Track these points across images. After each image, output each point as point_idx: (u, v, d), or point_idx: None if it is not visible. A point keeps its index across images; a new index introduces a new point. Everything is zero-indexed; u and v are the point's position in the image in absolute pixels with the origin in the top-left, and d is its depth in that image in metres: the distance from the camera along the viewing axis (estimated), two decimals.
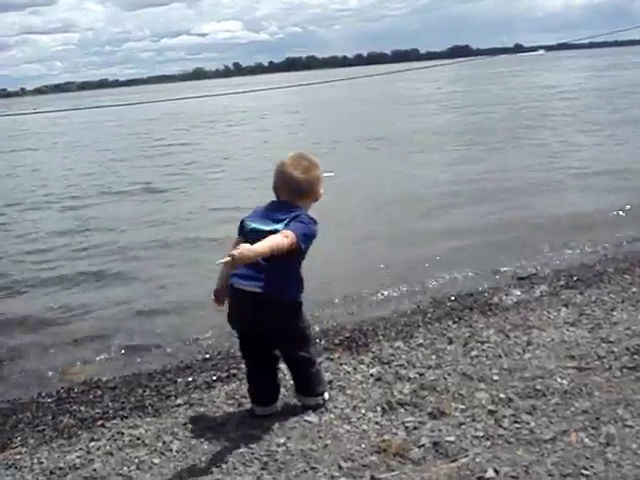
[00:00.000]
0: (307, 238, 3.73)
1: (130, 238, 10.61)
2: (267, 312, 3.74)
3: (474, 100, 35.14)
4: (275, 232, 3.64)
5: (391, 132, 22.43)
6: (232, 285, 3.80)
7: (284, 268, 3.74)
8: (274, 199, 3.97)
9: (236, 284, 3.77)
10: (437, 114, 28.93)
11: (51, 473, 3.65)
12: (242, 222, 3.93)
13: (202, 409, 4.24)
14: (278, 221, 3.76)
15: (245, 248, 3.33)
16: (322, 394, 4.09)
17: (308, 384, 4.07)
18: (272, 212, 3.86)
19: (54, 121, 46.46)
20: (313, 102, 45.29)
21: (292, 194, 3.89)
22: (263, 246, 3.44)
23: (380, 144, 19.63)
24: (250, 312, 3.77)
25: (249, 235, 3.76)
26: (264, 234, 3.63)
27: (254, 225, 3.83)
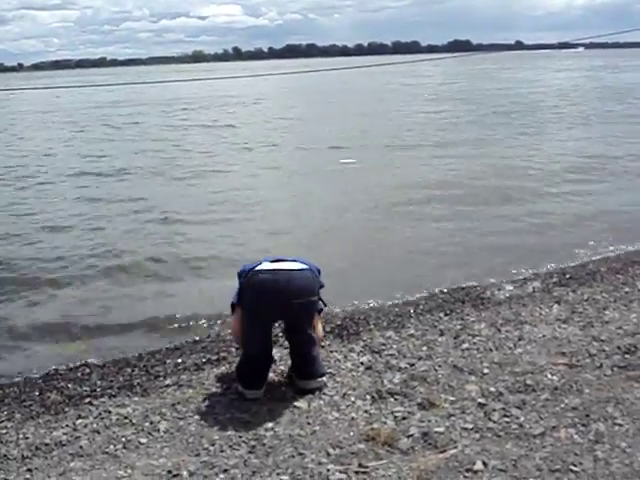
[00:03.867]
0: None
1: (119, 224, 10.54)
2: (304, 286, 4.05)
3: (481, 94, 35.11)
4: (300, 270, 4.12)
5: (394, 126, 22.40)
6: (261, 273, 4.07)
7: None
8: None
9: (269, 270, 4.08)
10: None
11: (37, 448, 3.63)
12: (249, 270, 4.16)
13: (191, 391, 4.23)
14: (289, 258, 4.25)
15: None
16: (323, 375, 4.14)
17: (314, 365, 4.12)
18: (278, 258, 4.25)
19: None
20: (318, 90, 45.10)
21: None
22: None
23: (389, 139, 19.53)
24: (287, 290, 3.98)
25: (263, 273, 4.07)
26: (286, 271, 4.09)
27: (271, 267, 4.12)
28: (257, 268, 4.09)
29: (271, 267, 4.09)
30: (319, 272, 4.25)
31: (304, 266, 4.13)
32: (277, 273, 4.03)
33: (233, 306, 4.28)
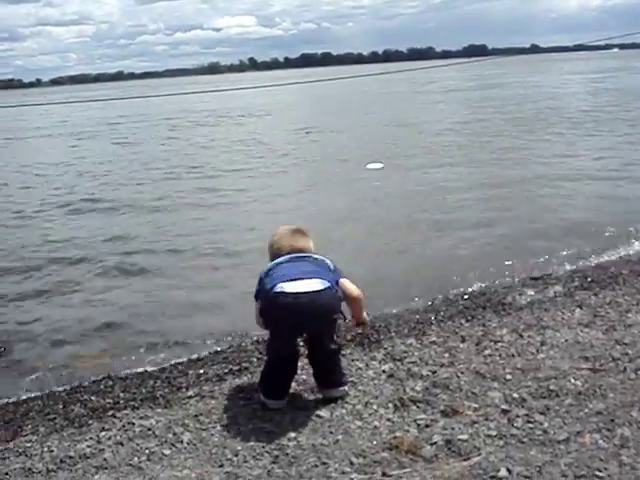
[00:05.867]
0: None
1: (146, 233, 10.62)
2: (326, 306, 3.96)
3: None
4: (322, 290, 3.95)
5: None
6: (282, 293, 3.93)
7: (328, 269, 4.12)
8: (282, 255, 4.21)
9: (292, 289, 3.93)
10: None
11: (61, 461, 3.65)
12: (261, 281, 4.12)
13: (213, 401, 4.23)
14: (309, 273, 4.02)
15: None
16: (345, 384, 4.14)
17: (336, 374, 4.11)
18: (296, 267, 4.08)
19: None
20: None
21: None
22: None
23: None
24: (311, 310, 3.90)
25: (285, 297, 3.92)
26: (303, 295, 3.92)
27: (293, 289, 3.94)
28: (277, 290, 3.94)
29: (292, 290, 3.93)
30: (335, 268, 4.19)
31: (325, 284, 3.99)
32: (299, 297, 3.91)
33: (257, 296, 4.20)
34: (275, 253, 4.28)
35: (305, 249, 4.28)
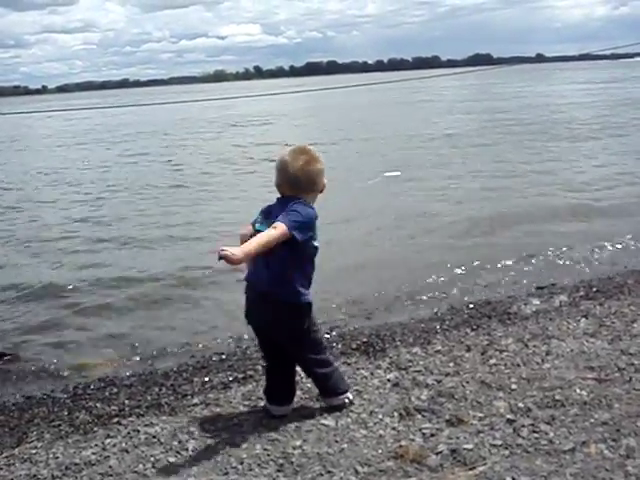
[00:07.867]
0: (301, 225, 3.60)
1: (146, 235, 10.65)
2: (271, 312, 3.79)
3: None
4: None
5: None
6: (248, 281, 3.89)
7: (284, 266, 3.71)
8: (279, 196, 3.91)
9: (250, 282, 3.88)
10: None
11: (66, 468, 3.64)
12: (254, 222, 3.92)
13: (218, 409, 4.23)
14: (276, 217, 3.65)
15: (233, 250, 3.29)
16: (344, 392, 4.07)
17: (327, 384, 4.04)
18: (273, 210, 3.82)
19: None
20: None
21: (294, 189, 3.82)
22: (251, 245, 3.41)
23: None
24: (259, 312, 3.85)
25: (246, 291, 3.93)
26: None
27: (258, 226, 3.80)
28: (246, 277, 3.87)
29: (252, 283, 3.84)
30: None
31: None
32: (255, 293, 3.82)
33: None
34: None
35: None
